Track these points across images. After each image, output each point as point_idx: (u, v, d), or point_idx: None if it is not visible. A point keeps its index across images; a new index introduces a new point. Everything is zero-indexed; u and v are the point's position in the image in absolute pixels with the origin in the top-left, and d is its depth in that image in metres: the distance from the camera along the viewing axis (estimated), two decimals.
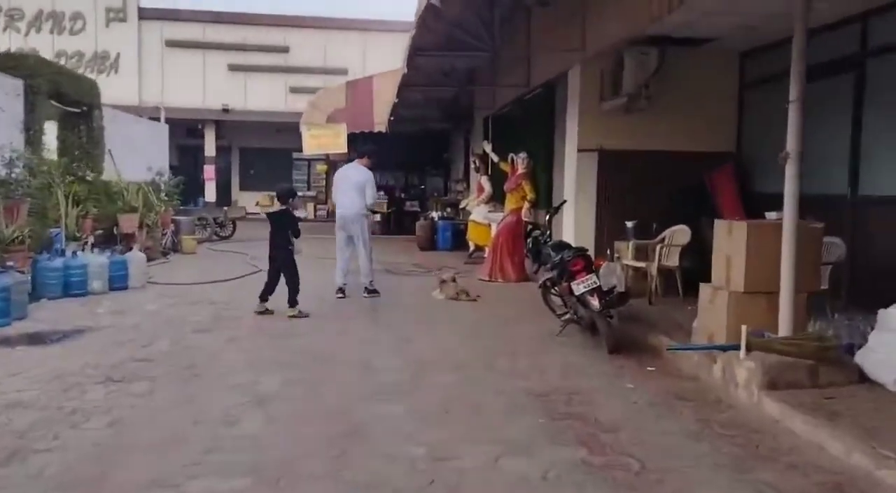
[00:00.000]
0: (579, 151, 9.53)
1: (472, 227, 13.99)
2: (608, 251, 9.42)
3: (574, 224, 9.61)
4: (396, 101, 14.07)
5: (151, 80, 25.29)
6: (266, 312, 7.97)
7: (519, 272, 11.17)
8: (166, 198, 14.34)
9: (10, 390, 4.98)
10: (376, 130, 17.42)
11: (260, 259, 13.42)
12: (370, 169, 9.52)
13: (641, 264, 8.53)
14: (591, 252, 9.17)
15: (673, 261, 8.49)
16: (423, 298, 9.46)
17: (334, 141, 17.98)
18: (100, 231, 10.76)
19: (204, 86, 25.39)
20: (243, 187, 29.49)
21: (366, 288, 9.35)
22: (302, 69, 25.24)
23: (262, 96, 25.16)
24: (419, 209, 20.39)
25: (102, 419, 4.44)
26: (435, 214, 16.82)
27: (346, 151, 17.99)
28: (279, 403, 4.87)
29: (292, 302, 8.00)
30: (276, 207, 8.47)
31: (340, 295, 9.28)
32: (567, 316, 6.87)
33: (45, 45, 23.48)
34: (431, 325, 7.75)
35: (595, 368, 5.98)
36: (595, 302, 6.32)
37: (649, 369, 5.98)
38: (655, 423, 4.62)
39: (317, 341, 6.80)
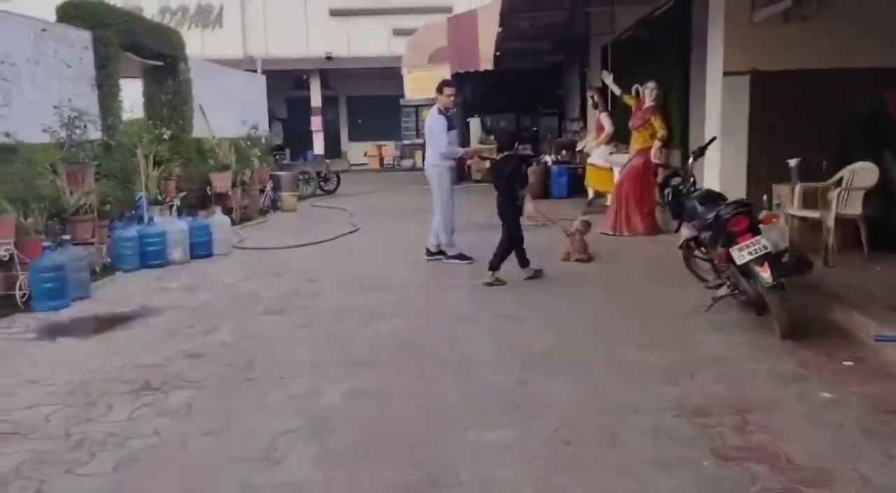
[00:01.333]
0: (725, 74, 7.69)
1: (590, 171, 12.36)
2: (764, 198, 7.64)
3: (720, 166, 7.87)
4: (500, 30, 12.44)
5: (255, 32, 24.67)
6: (497, 283, 6.76)
7: (649, 224, 9.54)
8: (259, 153, 13.45)
9: (19, 406, 4.04)
10: (482, 68, 15.82)
11: (360, 215, 12.49)
12: (448, 109, 7.92)
13: (814, 214, 6.74)
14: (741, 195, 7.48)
15: (855, 208, 6.66)
16: (533, 259, 8.05)
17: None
18: (183, 193, 9.95)
19: (307, 34, 24.55)
20: (352, 138, 28.74)
21: (427, 250, 8.14)
22: (404, 10, 23.81)
23: (365, 42, 24.07)
24: (531, 153, 18.75)
25: (112, 456, 3.39)
26: (548, 158, 15.19)
27: None
28: (341, 427, 3.68)
29: (523, 263, 6.97)
30: (496, 155, 7.23)
31: (428, 257, 8.10)
32: (722, 291, 5.28)
33: (150, 3, 23.21)
34: (543, 296, 6.36)
35: (767, 363, 4.43)
36: (765, 274, 4.71)
37: (846, 363, 4.38)
38: (884, 467, 3.08)
39: (401, 326, 5.56)
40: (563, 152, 15.82)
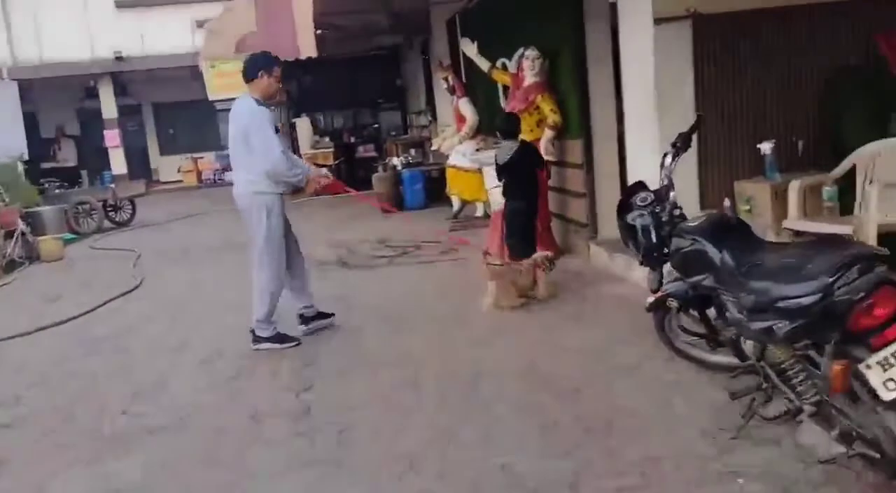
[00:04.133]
0: (656, 22, 5.09)
1: (453, 175, 9.65)
2: (725, 203, 5.17)
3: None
4: None
5: (22, 33, 19.97)
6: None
7: (548, 245, 6.82)
8: None
9: None
10: (303, 56, 12.63)
11: (152, 258, 9.09)
12: (271, 98, 4.91)
13: (842, 228, 4.23)
14: (692, 204, 4.94)
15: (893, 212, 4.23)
16: (401, 322, 5.15)
17: None
18: None
19: (90, 32, 20.19)
20: (164, 152, 24.50)
21: (252, 332, 4.99)
22: None
23: (162, 37, 20.04)
24: (376, 154, 15.81)
25: None
26: (397, 161, 12.28)
27: None
28: None
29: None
30: (506, 148, 6.12)
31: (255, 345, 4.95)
32: (821, 444, 2.48)
33: None
34: (440, 426, 3.44)
35: None
36: None
37: None
38: None
39: None
40: (413, 152, 13.01)
